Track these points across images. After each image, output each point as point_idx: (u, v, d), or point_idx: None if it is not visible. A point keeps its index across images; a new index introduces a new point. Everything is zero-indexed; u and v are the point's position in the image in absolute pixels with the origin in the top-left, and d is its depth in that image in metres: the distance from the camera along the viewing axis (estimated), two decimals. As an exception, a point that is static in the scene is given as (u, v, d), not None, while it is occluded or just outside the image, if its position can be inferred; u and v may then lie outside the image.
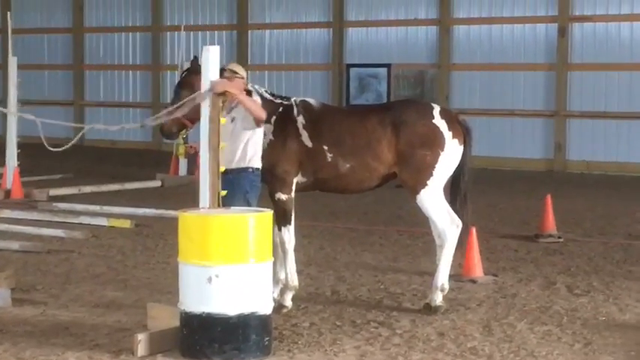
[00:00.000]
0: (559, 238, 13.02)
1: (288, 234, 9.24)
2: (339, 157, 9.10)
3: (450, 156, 9.17)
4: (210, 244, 7.40)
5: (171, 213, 13.47)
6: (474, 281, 10.47)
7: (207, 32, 27.48)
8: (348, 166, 9.11)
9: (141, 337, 7.58)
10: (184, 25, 23.84)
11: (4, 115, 13.44)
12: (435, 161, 9.07)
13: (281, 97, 9.40)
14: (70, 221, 14.00)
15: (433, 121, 9.14)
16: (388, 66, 25.01)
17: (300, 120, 9.18)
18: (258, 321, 7.47)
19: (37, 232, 13.01)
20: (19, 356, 7.55)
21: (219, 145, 8.18)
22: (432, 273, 10.79)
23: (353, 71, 25.51)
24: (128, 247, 12.30)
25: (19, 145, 17.31)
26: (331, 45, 25.77)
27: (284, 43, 26.66)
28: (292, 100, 9.32)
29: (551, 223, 13.12)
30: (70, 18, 29.72)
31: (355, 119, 9.30)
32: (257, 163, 8.86)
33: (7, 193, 16.81)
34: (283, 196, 9.13)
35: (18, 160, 17.29)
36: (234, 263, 7.41)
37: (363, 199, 17.07)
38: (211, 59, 8.25)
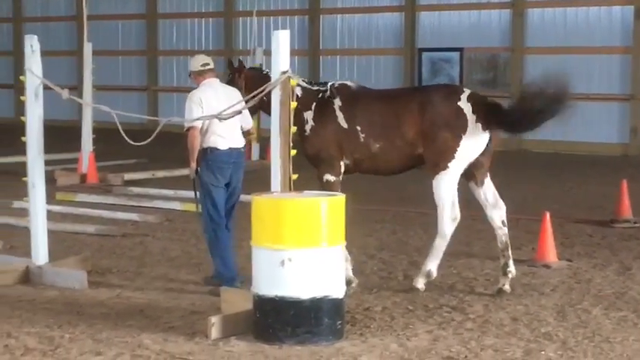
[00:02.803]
0: (635, 223, 12.84)
1: None
2: (370, 138, 9.24)
3: (473, 140, 9.14)
4: (283, 228, 7.42)
5: (243, 197, 13.55)
6: (547, 266, 10.37)
7: (279, 17, 27.53)
8: (377, 146, 9.22)
9: (214, 319, 7.64)
10: (256, 10, 23.90)
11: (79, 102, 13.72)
12: (457, 144, 9.06)
13: (318, 84, 9.62)
14: (144, 205, 14.16)
15: (458, 103, 9.09)
16: (461, 50, 24.83)
17: (337, 102, 9.37)
18: (331, 304, 7.48)
19: (112, 216, 13.18)
20: (96, 338, 7.66)
21: (290, 129, 8.21)
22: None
23: (425, 55, 25.38)
24: (201, 231, 12.37)
25: (94, 130, 17.53)
26: (403, 29, 25.66)
27: (356, 28, 26.60)
28: (329, 84, 9.51)
29: (626, 208, 12.94)
30: (143, 4, 29.98)
31: (386, 100, 9.43)
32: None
33: (83, 177, 17.06)
34: (331, 178, 9.33)
35: (93, 145, 17.52)
36: (306, 247, 7.43)
37: (435, 184, 16.98)
38: (281, 44, 8.27)
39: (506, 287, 9.18)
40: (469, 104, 9.09)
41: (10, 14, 32.50)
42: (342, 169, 9.38)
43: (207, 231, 9.45)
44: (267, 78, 8.96)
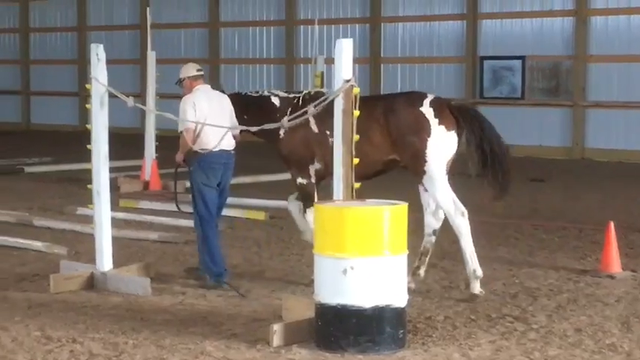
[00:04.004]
0: (701, 233, 12.66)
1: (311, 215, 9.53)
2: None
3: (439, 142, 9.44)
4: (345, 236, 7.43)
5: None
6: (612, 277, 10.25)
7: (340, 26, 27.54)
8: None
9: (276, 327, 7.66)
10: (318, 18, 23.96)
11: (143, 109, 13.83)
12: (424, 147, 9.40)
13: (295, 92, 10.20)
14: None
15: (420, 108, 9.49)
16: (523, 58, 24.66)
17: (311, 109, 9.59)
18: (393, 313, 7.47)
19: (174, 223, 13.26)
20: (159, 344, 7.72)
21: (352, 137, 8.22)
22: (569, 268, 10.68)
23: (487, 64, 25.24)
24: (263, 238, 12.44)
25: (157, 138, 17.68)
26: (465, 37, 25.56)
27: (417, 36, 26.54)
28: (304, 92, 10.04)
29: (692, 218, 12.77)
30: (206, 12, 30.19)
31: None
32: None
33: (146, 184, 17.21)
34: (304, 181, 9.89)
35: (156, 152, 17.67)
36: (369, 255, 7.43)
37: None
38: (344, 52, 8.30)
39: (411, 285, 9.13)
40: (431, 109, 9.48)
41: (74, 23, 32.92)
42: (313, 173, 9.86)
43: (198, 228, 9.84)
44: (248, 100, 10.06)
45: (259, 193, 16.04)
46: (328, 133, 9.48)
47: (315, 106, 8.81)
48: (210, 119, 9.64)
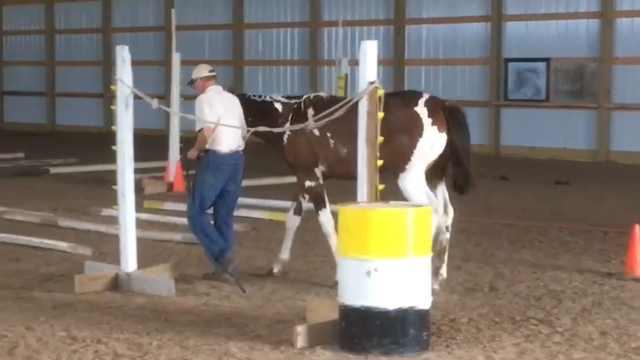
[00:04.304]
0: None
1: (326, 217, 10.10)
2: (339, 143, 9.82)
3: (429, 142, 9.62)
4: (369, 238, 7.43)
5: (329, 207, 13.57)
6: (637, 280, 10.19)
7: (365, 28, 27.53)
8: (345, 150, 9.73)
9: (300, 329, 7.67)
10: (342, 20, 23.95)
11: (167, 111, 13.86)
12: (413, 146, 9.58)
13: (295, 97, 10.37)
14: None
15: (415, 108, 9.66)
16: (547, 60, 24.59)
17: (310, 112, 9.95)
18: (417, 315, 7.47)
19: (198, 225, 13.27)
20: (183, 345, 7.74)
21: (376, 139, 8.22)
22: (594, 270, 10.64)
23: (511, 66, 25.17)
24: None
25: (181, 140, 17.72)
26: (489, 39, 25.49)
27: (441, 38, 26.49)
28: (304, 97, 10.19)
29: None
30: (230, 14, 30.24)
31: (352, 108, 9.78)
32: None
33: (170, 185, 17.26)
34: (312, 184, 10.06)
35: (180, 153, 17.71)
36: (393, 257, 7.43)
37: (520, 195, 16.89)
38: (369, 54, 8.30)
39: (435, 287, 9.23)
40: (425, 109, 9.65)
41: (99, 25, 33.05)
42: (320, 175, 10.06)
43: (190, 216, 10.05)
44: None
45: (283, 194, 16.04)
46: (329, 135, 9.80)
47: (337, 109, 8.82)
48: (224, 120, 9.79)
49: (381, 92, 8.33)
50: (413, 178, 9.60)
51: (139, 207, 12.33)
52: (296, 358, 7.44)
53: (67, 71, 33.74)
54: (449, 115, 9.74)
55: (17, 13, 35.39)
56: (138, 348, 7.66)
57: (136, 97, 9.74)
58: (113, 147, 9.80)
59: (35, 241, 12.00)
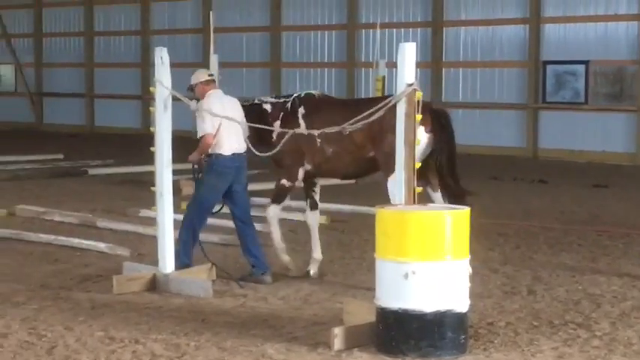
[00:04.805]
0: None
1: (274, 210, 10.49)
2: (325, 143, 9.99)
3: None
4: (407, 241, 7.41)
5: (366, 209, 13.56)
6: (677, 284, 10.10)
7: (402, 30, 27.49)
8: (331, 150, 10.00)
9: (337, 331, 7.66)
10: (379, 22, 23.92)
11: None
12: None
13: (285, 97, 10.56)
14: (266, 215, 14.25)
15: None
16: (586, 63, 24.44)
17: (301, 111, 10.23)
18: (455, 318, 7.44)
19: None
20: (220, 346, 7.76)
21: (414, 141, 8.20)
22: (633, 274, 10.55)
23: (550, 68, 25.03)
24: (324, 242, 12.38)
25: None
26: (528, 41, 25.36)
27: (479, 40, 26.41)
28: (294, 95, 10.40)
29: None
30: (267, 16, 30.31)
31: (340, 108, 10.32)
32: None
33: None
34: (287, 183, 10.34)
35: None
36: (430, 260, 7.40)
37: (559, 198, 16.79)
38: (407, 56, 8.28)
39: None
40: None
41: (138, 27, 33.23)
42: (301, 175, 10.25)
43: (187, 212, 10.25)
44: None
45: (320, 196, 16.03)
46: (316, 135, 9.90)
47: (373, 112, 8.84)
48: (225, 123, 9.86)
49: (419, 95, 8.31)
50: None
51: (177, 208, 12.38)
52: (333, 360, 7.44)
53: (106, 73, 33.97)
54: (434, 117, 9.82)
55: (57, 15, 35.67)
56: (175, 349, 7.69)
57: (175, 98, 9.78)
58: (151, 148, 9.85)
59: (74, 241, 12.08)
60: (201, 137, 9.94)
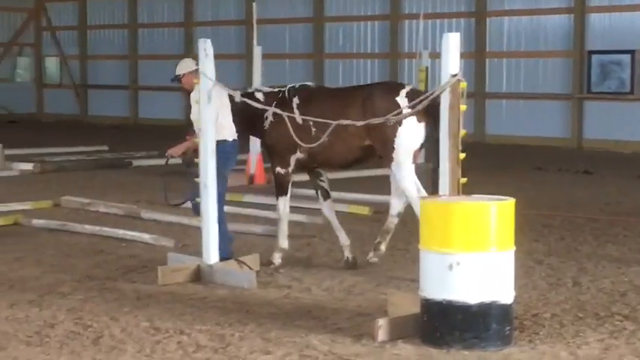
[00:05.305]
0: None
1: (283, 203, 10.46)
2: (319, 132, 9.85)
3: (409, 132, 9.90)
4: (451, 232, 7.38)
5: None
6: None
7: (445, 20, 27.38)
8: (327, 139, 9.77)
9: (381, 322, 7.65)
10: (423, 13, 23.83)
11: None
12: (394, 135, 9.86)
13: (280, 86, 10.56)
14: (310, 207, 14.27)
15: (396, 98, 9.91)
16: (632, 52, 24.20)
17: (295, 100, 10.31)
18: (499, 310, 7.40)
19: (279, 217, 13.32)
20: (265, 337, 7.78)
21: (459, 131, 8.16)
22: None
23: (595, 58, 24.83)
24: (367, 233, 12.42)
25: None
26: (572, 31, 25.17)
27: (523, 30, 26.25)
28: (288, 86, 10.45)
29: None
30: (310, 8, 30.30)
31: (336, 96, 10.43)
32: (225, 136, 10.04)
33: (251, 178, 17.36)
34: (282, 171, 10.36)
35: (261, 146, 17.77)
36: (475, 251, 7.37)
37: (604, 189, 16.66)
38: (451, 46, 8.24)
39: (373, 259, 10.45)
40: (406, 99, 9.84)
41: (181, 19, 33.36)
42: (293, 163, 10.31)
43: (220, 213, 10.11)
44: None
45: (362, 188, 16.03)
46: (311, 124, 9.95)
47: (416, 104, 8.80)
48: (220, 112, 9.90)
49: (463, 85, 8.26)
50: (404, 172, 9.93)
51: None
52: (377, 351, 7.42)
53: (150, 65, 34.13)
54: (426, 109, 9.63)
55: (101, 7, 35.90)
56: (220, 339, 7.72)
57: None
58: (195, 140, 9.88)
59: (119, 232, 12.17)
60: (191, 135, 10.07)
